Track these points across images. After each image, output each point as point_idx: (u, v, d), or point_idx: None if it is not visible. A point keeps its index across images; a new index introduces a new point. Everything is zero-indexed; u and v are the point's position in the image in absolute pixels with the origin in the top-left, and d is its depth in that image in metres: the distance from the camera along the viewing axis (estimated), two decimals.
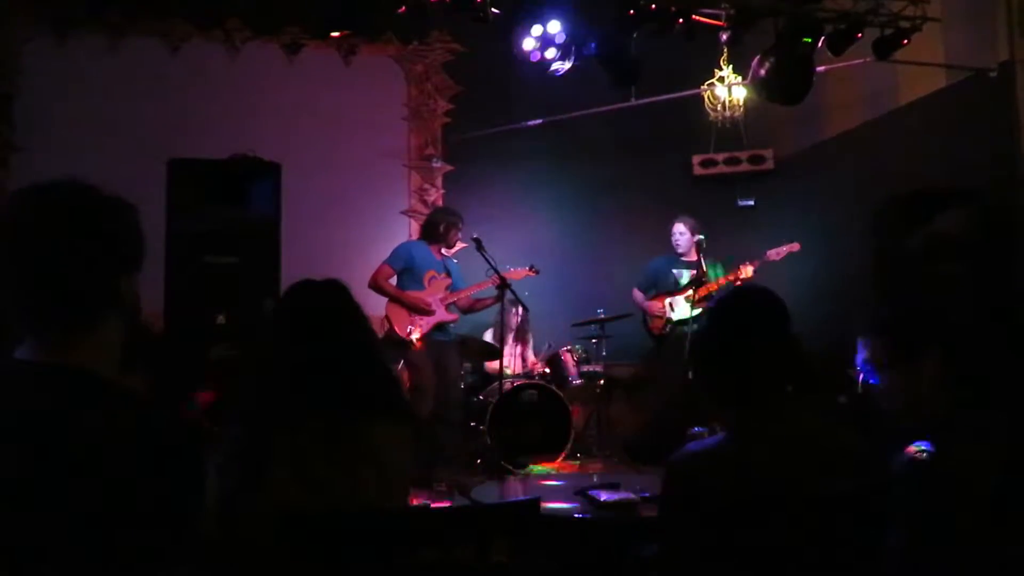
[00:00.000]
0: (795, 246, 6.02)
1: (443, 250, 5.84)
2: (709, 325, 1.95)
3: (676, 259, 6.44)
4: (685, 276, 6.30)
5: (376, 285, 5.52)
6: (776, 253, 6.02)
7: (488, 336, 6.56)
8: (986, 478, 1.75)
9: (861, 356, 2.13)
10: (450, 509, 2.99)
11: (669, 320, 6.28)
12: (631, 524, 2.79)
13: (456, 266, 5.96)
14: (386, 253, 5.72)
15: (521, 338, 6.76)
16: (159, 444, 1.22)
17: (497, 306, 5.88)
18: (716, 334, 1.91)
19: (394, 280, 5.64)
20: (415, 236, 6.66)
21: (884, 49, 5.14)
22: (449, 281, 5.74)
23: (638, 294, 6.53)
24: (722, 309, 1.95)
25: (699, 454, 1.80)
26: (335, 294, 2.10)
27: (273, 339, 2.08)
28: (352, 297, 2.13)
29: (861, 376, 2.16)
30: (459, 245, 6.02)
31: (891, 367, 2.03)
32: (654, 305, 6.37)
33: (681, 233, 6.30)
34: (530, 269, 5.94)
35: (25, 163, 6.38)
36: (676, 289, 6.33)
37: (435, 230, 5.78)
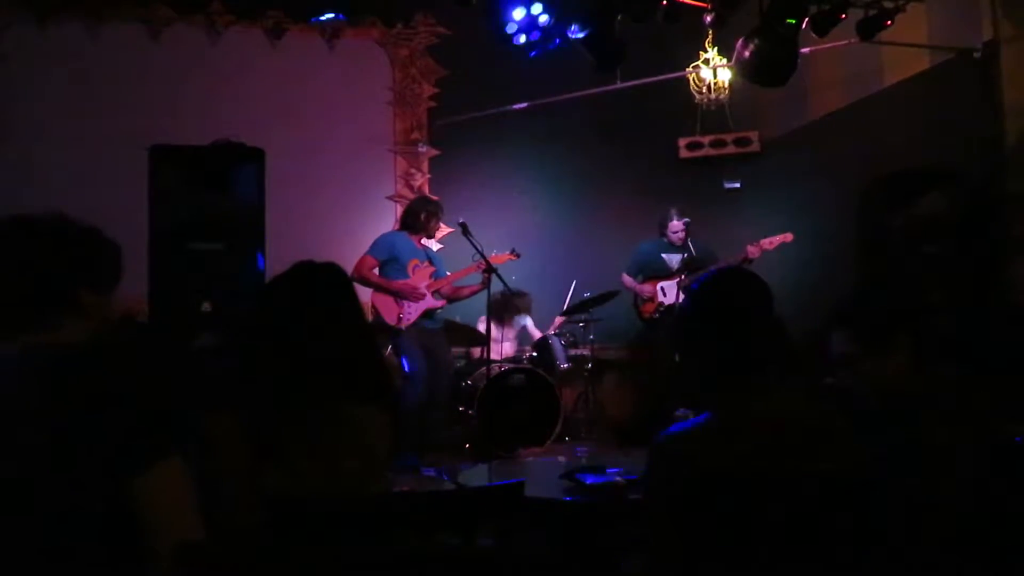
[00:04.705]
0: (788, 236, 6.02)
1: (424, 239, 5.83)
2: (692, 306, 1.95)
3: (666, 244, 6.46)
4: (676, 261, 6.33)
5: (360, 276, 5.49)
6: (769, 242, 6.03)
7: (480, 325, 6.57)
8: (960, 460, 1.76)
9: (833, 349, 2.14)
10: (434, 493, 3.00)
11: (661, 305, 6.32)
12: (617, 507, 2.80)
13: (437, 254, 5.95)
14: (372, 239, 5.70)
15: (512, 324, 6.76)
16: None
17: (484, 293, 5.86)
18: (699, 314, 1.91)
19: (377, 271, 5.62)
20: None
21: (868, 30, 5.13)
22: (433, 269, 5.74)
23: (627, 278, 6.55)
24: (705, 290, 1.95)
25: (682, 435, 1.80)
26: (332, 278, 2.08)
27: (265, 322, 2.06)
28: (349, 281, 2.13)
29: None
30: (444, 230, 5.97)
31: (863, 356, 2.04)
32: (646, 288, 6.40)
33: (683, 228, 6.30)
34: (511, 253, 5.93)
35: (5, 150, 6.31)
36: (667, 274, 6.34)
37: (415, 220, 5.76)
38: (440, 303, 5.75)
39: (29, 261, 1.61)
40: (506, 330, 6.70)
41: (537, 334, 6.83)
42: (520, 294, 6.53)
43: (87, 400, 1.48)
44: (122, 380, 1.54)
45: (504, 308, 6.58)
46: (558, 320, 6.80)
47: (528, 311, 6.83)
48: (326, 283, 2.07)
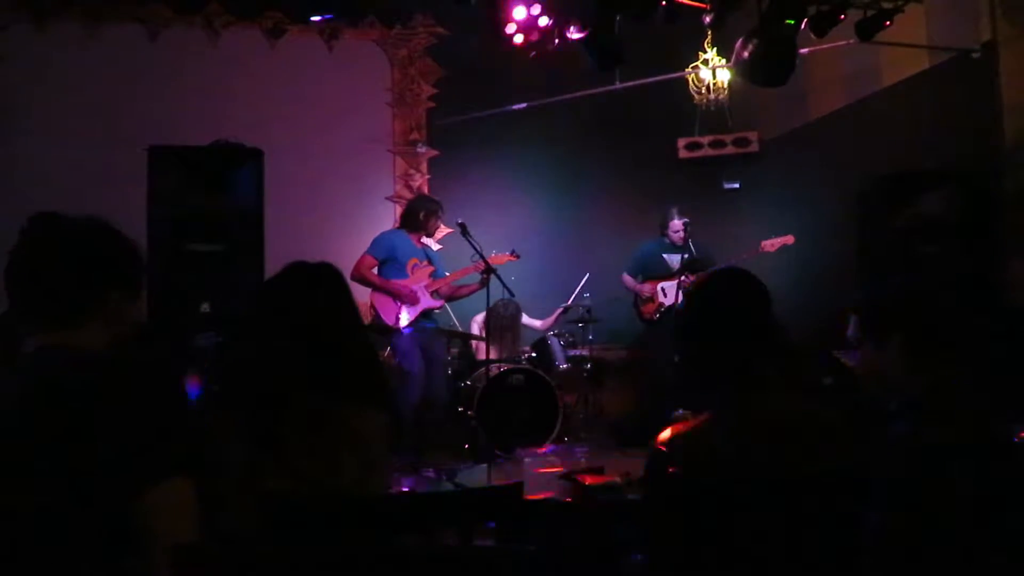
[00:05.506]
0: (789, 239, 6.03)
1: (423, 238, 5.83)
2: (691, 306, 1.95)
3: (666, 244, 6.47)
4: (676, 261, 6.33)
5: (360, 276, 5.50)
6: (771, 244, 6.04)
7: (476, 323, 6.56)
8: (959, 460, 1.76)
9: (850, 330, 2.14)
10: (431, 494, 2.99)
11: (661, 305, 6.32)
12: (616, 508, 2.79)
13: (436, 254, 5.95)
14: (371, 239, 5.70)
15: (510, 329, 6.74)
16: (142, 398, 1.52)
17: (482, 293, 5.86)
18: (698, 315, 1.91)
19: (376, 270, 5.62)
20: None
21: (867, 30, 5.13)
22: (432, 268, 5.74)
23: (628, 279, 6.55)
24: (705, 291, 1.95)
25: (681, 435, 1.80)
26: (328, 278, 2.08)
27: (261, 323, 2.05)
28: (345, 281, 2.12)
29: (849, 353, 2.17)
30: (444, 230, 5.95)
31: (864, 344, 2.05)
32: (646, 288, 6.41)
33: (683, 227, 6.31)
34: (511, 254, 5.93)
35: (4, 150, 6.30)
36: (668, 274, 6.35)
37: (415, 218, 5.76)
38: (439, 303, 5.75)
39: (67, 259, 1.62)
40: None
41: (536, 323, 6.84)
42: (510, 303, 6.48)
43: (112, 406, 1.48)
44: (147, 388, 1.54)
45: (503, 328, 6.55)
46: (558, 311, 6.80)
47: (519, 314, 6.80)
48: (321, 283, 2.07)
